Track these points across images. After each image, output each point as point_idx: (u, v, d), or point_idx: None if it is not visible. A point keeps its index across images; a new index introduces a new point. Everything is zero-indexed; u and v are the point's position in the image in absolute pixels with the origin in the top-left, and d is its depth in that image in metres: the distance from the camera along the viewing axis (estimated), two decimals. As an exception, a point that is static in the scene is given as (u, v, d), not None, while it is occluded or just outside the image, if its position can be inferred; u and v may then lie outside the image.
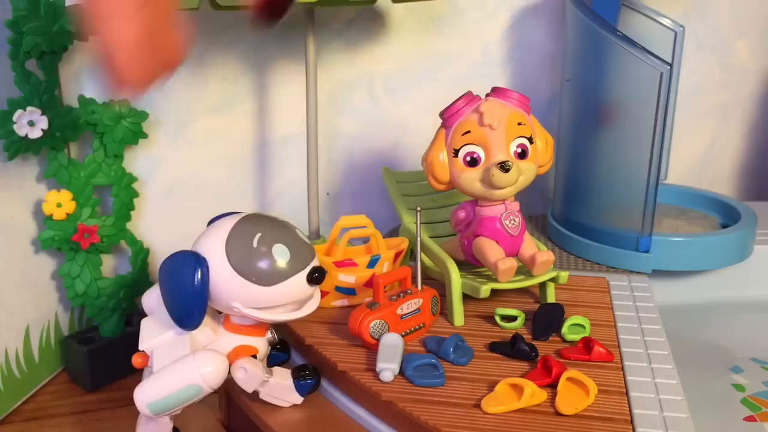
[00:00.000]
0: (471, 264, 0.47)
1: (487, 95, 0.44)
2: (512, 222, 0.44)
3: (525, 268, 0.45)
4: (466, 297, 0.45)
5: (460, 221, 0.46)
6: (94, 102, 0.53)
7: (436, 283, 0.47)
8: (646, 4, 0.52)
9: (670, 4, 0.71)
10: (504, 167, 0.41)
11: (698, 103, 0.75)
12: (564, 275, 0.45)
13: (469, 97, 0.43)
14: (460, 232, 0.47)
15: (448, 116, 0.43)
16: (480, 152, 0.43)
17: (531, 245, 0.45)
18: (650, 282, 0.52)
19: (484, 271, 0.48)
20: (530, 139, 0.43)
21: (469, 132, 0.42)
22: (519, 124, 0.43)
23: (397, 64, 0.65)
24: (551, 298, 0.47)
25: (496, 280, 0.44)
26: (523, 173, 0.43)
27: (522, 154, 0.43)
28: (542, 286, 0.47)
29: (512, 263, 0.43)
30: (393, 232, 0.60)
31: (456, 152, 0.43)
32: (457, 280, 0.44)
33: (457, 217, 0.47)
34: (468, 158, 0.43)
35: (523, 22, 0.67)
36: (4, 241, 0.50)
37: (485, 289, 0.43)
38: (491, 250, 0.43)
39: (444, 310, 0.46)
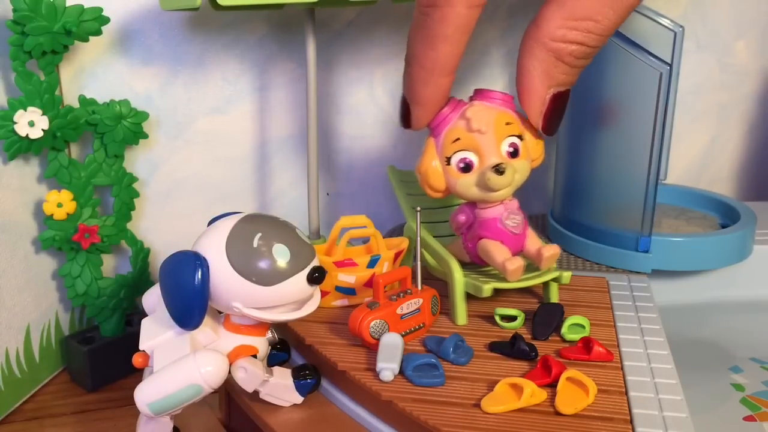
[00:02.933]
0: (476, 264, 0.47)
1: (471, 98, 0.44)
2: (513, 221, 0.44)
3: (528, 267, 0.45)
4: (466, 296, 0.45)
5: (460, 224, 0.47)
6: (95, 102, 0.53)
7: (438, 282, 0.47)
8: (645, 4, 0.52)
9: (670, 4, 0.71)
10: (498, 170, 0.41)
11: (698, 103, 0.75)
12: (567, 275, 0.45)
13: (453, 104, 0.43)
14: (462, 235, 0.47)
15: (434, 125, 0.43)
16: (472, 157, 0.43)
17: (535, 240, 0.45)
18: (650, 282, 0.52)
19: (489, 270, 0.48)
20: (520, 137, 0.43)
21: (458, 139, 0.42)
22: (507, 123, 0.43)
23: (398, 64, 0.65)
24: (554, 297, 0.47)
25: (499, 279, 0.44)
26: (518, 171, 0.43)
27: (514, 153, 0.43)
28: (545, 285, 0.47)
29: (520, 262, 0.43)
30: (393, 232, 0.60)
31: (448, 160, 0.43)
32: (460, 279, 0.44)
33: (458, 221, 0.47)
34: (461, 164, 0.43)
35: (522, 22, 0.67)
36: (5, 241, 0.50)
37: (488, 288, 0.43)
38: (497, 251, 0.44)
39: (444, 309, 0.46)
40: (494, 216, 0.44)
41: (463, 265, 0.46)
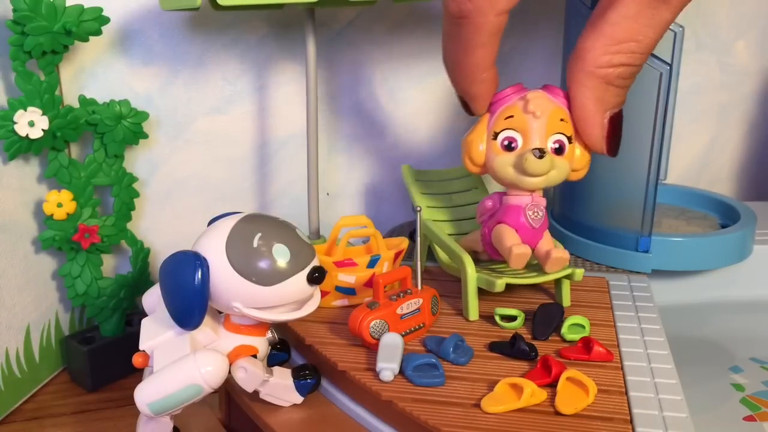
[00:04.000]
0: (489, 256, 0.47)
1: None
2: (535, 214, 0.44)
3: (534, 267, 0.45)
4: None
5: (486, 210, 0.47)
6: (95, 102, 0.53)
7: (443, 282, 0.47)
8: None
9: (669, 4, 0.71)
10: (538, 154, 0.42)
11: (698, 103, 0.75)
12: (579, 272, 0.45)
13: (518, 87, 0.44)
14: (484, 222, 0.47)
15: (494, 101, 0.44)
16: (518, 138, 0.43)
17: (549, 241, 0.45)
18: (650, 282, 0.52)
19: (502, 267, 0.48)
20: (569, 138, 0.43)
21: (512, 117, 0.43)
22: (561, 120, 0.43)
23: (397, 64, 0.65)
24: (566, 296, 0.47)
25: (512, 275, 0.44)
26: (556, 167, 0.43)
27: (559, 150, 0.43)
28: (557, 284, 0.47)
29: (526, 249, 0.43)
30: (393, 232, 0.60)
31: (495, 135, 0.43)
32: (472, 274, 0.45)
33: (485, 206, 0.47)
34: (505, 142, 0.43)
35: (522, 22, 0.67)
36: (5, 241, 0.50)
37: (500, 284, 0.43)
38: (508, 236, 0.44)
39: (445, 309, 0.46)
40: (519, 204, 0.44)
41: (476, 261, 0.46)
